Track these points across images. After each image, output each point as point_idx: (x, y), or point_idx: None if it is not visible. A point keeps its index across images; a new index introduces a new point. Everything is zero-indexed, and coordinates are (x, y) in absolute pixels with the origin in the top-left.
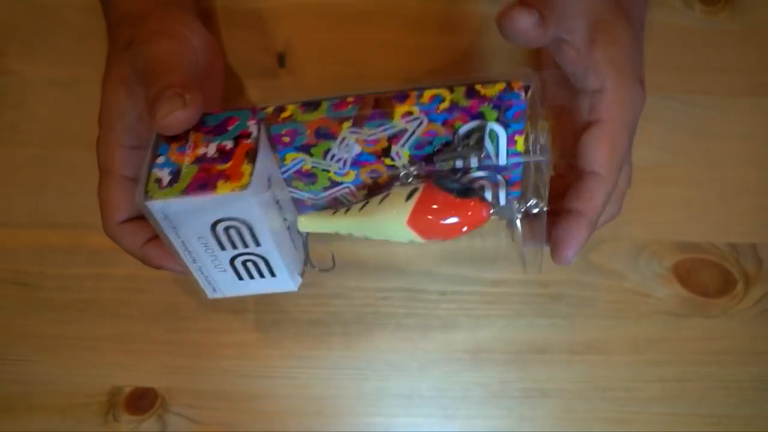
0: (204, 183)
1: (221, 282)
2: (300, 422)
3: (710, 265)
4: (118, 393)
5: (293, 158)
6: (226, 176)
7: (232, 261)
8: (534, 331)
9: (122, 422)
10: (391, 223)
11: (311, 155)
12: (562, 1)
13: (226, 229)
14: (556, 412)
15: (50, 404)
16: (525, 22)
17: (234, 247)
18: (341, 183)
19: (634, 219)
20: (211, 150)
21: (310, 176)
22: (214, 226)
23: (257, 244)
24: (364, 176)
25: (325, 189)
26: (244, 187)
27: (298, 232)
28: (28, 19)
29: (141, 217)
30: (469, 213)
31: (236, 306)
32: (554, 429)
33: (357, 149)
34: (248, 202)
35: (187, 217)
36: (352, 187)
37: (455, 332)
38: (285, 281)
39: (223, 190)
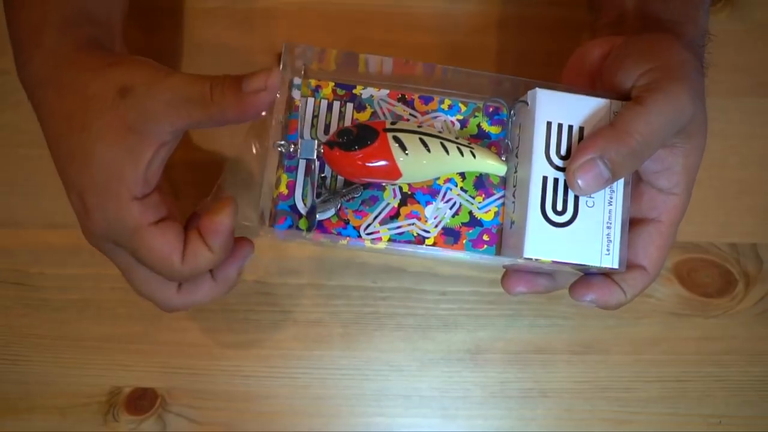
0: None
1: None
2: (300, 422)
3: (710, 265)
4: (118, 393)
5: None
6: None
7: None
8: (534, 331)
9: (122, 422)
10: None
11: None
12: (655, 129)
13: None
14: (556, 412)
15: (50, 404)
16: None
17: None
18: None
19: None
20: None
21: None
22: None
23: None
24: None
25: None
26: None
27: None
28: None
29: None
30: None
31: (236, 306)
32: (554, 429)
33: None
34: None
35: None
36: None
37: (455, 332)
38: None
39: None
